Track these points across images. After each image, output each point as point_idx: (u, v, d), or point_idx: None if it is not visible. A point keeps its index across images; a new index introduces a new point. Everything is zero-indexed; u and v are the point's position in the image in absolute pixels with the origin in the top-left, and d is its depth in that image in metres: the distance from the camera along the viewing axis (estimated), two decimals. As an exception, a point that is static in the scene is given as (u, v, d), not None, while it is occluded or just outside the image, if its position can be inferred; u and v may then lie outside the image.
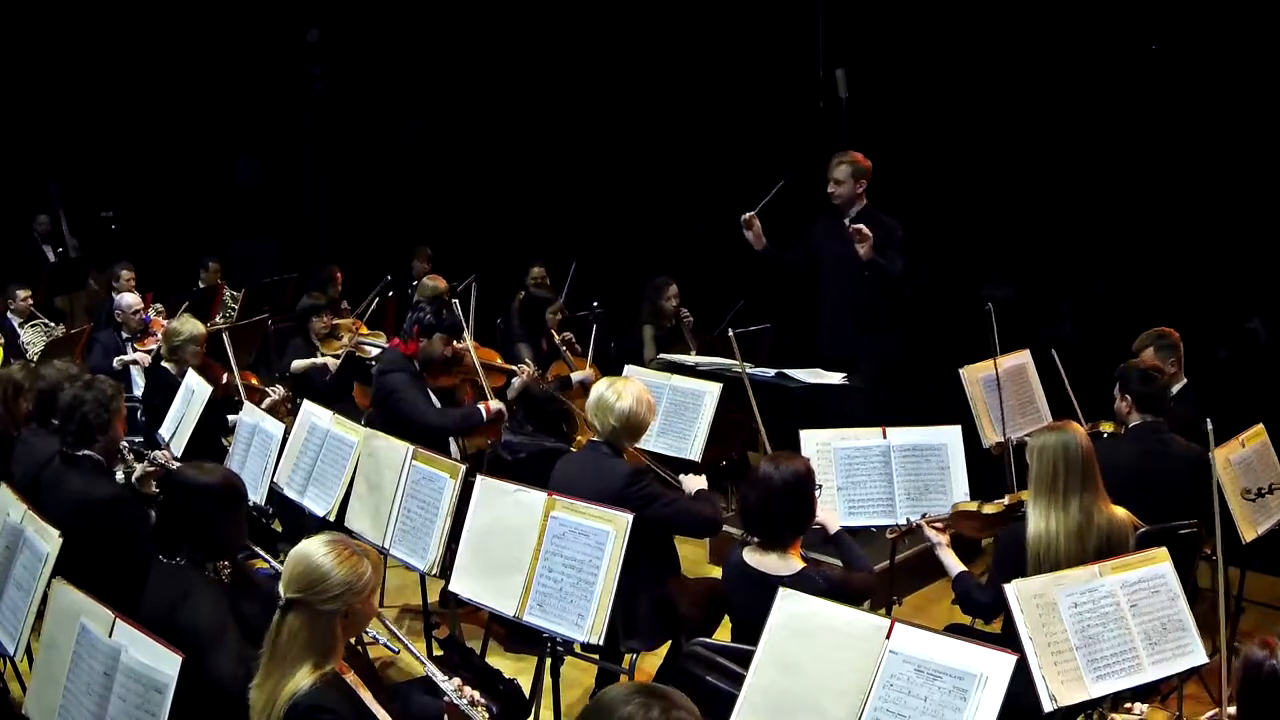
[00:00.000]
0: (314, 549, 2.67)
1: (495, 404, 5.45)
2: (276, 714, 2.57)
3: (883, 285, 5.71)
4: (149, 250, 7.59)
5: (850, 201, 5.77)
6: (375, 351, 6.28)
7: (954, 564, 3.81)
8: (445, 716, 2.84)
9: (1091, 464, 3.50)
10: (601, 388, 4.09)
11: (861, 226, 5.53)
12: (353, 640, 3.01)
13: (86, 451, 4.06)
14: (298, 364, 6.47)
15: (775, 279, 6.30)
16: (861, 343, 5.82)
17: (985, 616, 4.41)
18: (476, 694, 2.84)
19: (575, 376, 5.99)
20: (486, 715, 2.77)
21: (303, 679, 2.58)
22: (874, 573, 3.85)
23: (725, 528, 5.75)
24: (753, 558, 3.46)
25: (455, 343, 5.55)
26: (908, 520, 4.10)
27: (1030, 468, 3.57)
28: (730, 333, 5.64)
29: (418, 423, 5.15)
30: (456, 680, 2.90)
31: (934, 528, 3.93)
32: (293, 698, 2.56)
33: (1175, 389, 4.92)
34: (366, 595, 2.70)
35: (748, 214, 5.79)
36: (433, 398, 5.40)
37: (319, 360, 6.49)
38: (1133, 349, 4.99)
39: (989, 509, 3.97)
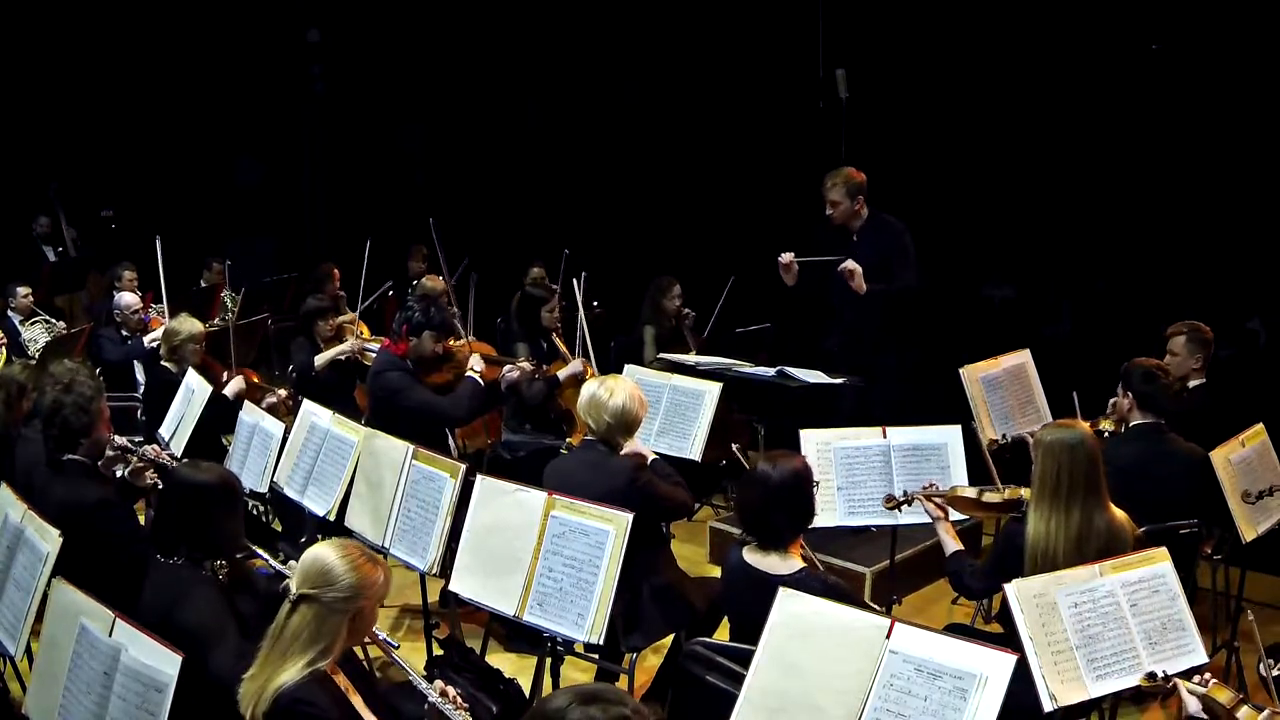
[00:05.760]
0: (328, 551, 2.74)
1: (475, 360, 5.48)
2: (263, 705, 2.60)
3: (894, 302, 5.71)
4: (149, 250, 7.58)
5: (850, 218, 5.75)
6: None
7: (950, 542, 3.82)
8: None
9: (1096, 467, 3.47)
10: (593, 386, 4.13)
11: (848, 266, 5.55)
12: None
13: (71, 456, 4.03)
14: (321, 359, 6.40)
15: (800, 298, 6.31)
16: (877, 357, 5.84)
17: (972, 599, 4.44)
18: (459, 696, 2.84)
19: (561, 374, 6.00)
20: (468, 715, 2.78)
21: (293, 673, 2.61)
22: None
23: (725, 527, 5.80)
24: (752, 557, 3.46)
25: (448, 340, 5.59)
26: (905, 491, 4.10)
27: (1034, 465, 3.55)
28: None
29: (432, 414, 5.20)
30: (439, 683, 2.91)
31: (934, 501, 3.93)
32: (280, 689, 2.59)
33: (1193, 384, 4.94)
34: (375, 601, 2.76)
35: (789, 256, 5.75)
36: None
37: (342, 348, 6.41)
38: (1165, 334, 4.99)
39: (989, 496, 3.95)
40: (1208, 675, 2.80)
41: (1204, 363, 4.98)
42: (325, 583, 2.67)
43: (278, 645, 2.66)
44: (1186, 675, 2.87)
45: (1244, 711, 2.68)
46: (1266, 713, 2.65)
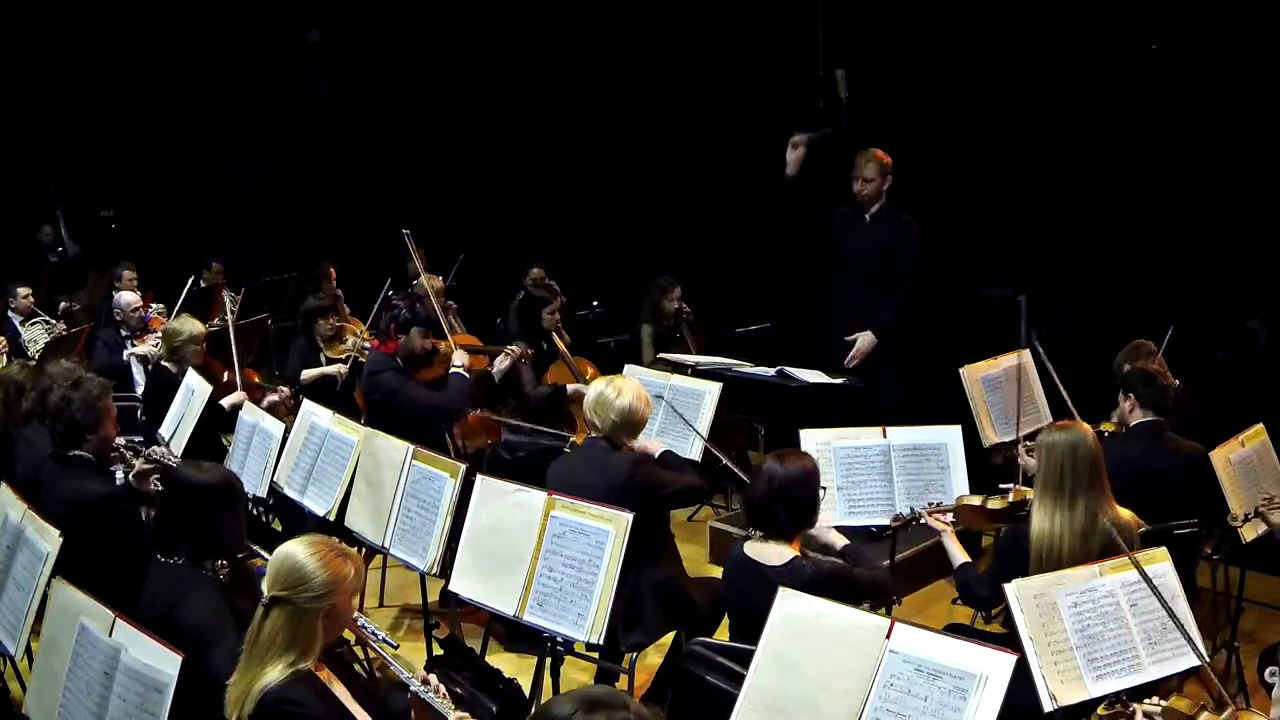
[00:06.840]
0: (297, 549, 2.71)
1: (459, 355, 5.55)
2: (248, 707, 2.59)
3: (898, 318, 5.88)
4: (149, 250, 7.59)
5: (875, 198, 5.93)
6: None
7: (958, 553, 3.83)
8: (412, 712, 2.84)
9: (1099, 465, 3.50)
10: (600, 385, 4.17)
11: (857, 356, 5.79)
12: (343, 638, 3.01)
13: (77, 451, 4.06)
14: (307, 374, 6.45)
15: (781, 217, 6.36)
16: (876, 358, 5.86)
17: (983, 608, 4.43)
18: (442, 685, 2.83)
19: (571, 387, 6.05)
20: (450, 703, 2.77)
21: (275, 674, 2.60)
22: (885, 571, 3.87)
23: (725, 527, 5.81)
24: (752, 549, 3.50)
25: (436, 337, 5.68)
26: (911, 509, 4.11)
27: (1038, 465, 3.58)
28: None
29: (424, 408, 5.29)
30: (421, 671, 2.90)
31: (937, 517, 3.94)
32: (263, 691, 2.59)
33: None
34: (348, 596, 2.74)
35: (801, 135, 5.94)
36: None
37: (329, 370, 6.48)
38: (1117, 371, 5.00)
39: (993, 503, 3.99)
40: (1157, 698, 2.79)
41: (1164, 367, 4.97)
42: (297, 582, 2.64)
43: (256, 649, 2.64)
44: (1140, 695, 2.86)
45: (1204, 717, 2.68)
46: (1229, 711, 2.65)
